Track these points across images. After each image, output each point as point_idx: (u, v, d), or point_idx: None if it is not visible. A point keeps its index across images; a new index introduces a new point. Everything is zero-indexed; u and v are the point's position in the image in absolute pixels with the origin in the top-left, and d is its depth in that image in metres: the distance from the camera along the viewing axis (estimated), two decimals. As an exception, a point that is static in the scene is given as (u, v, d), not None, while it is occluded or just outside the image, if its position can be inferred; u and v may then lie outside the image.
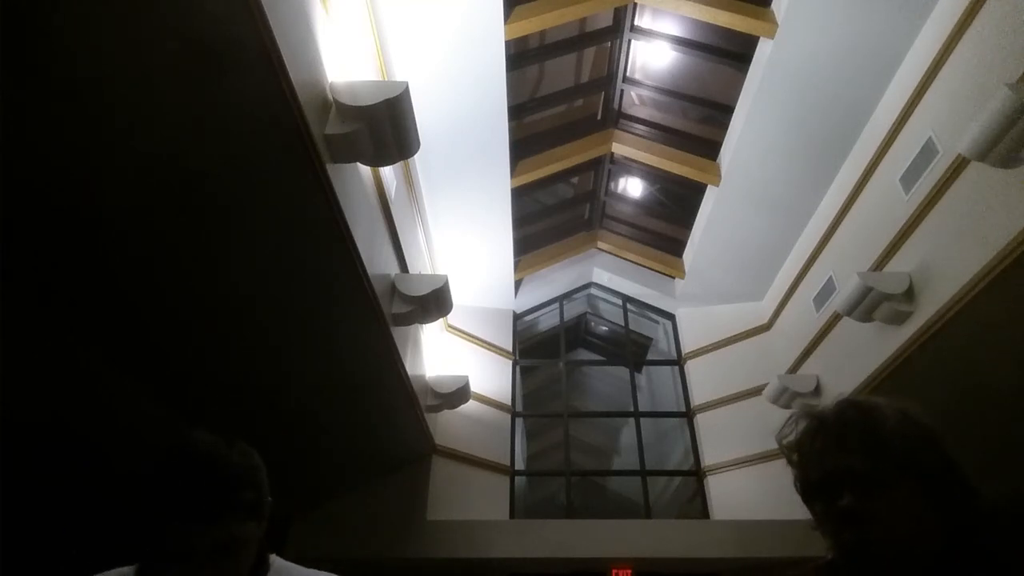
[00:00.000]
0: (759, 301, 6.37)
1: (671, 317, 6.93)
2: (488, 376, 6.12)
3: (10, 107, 1.88)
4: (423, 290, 3.91)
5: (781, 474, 0.98)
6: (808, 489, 0.88)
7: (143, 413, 3.55)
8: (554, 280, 7.13)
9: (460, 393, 5.08)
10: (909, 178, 3.80)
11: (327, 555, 4.57)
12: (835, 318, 4.67)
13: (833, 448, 0.85)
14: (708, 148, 5.54)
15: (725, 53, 4.94)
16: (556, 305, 7.18)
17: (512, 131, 4.87)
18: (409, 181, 4.46)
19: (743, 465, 5.42)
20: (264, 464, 1.08)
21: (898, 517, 0.79)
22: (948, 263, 3.42)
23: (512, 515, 5.50)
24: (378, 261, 3.45)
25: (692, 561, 4.93)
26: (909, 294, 3.72)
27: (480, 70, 4.22)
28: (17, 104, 1.90)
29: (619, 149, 5.97)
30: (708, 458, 5.75)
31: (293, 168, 2.42)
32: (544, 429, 7.40)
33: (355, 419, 4.32)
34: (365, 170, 3.18)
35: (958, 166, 3.35)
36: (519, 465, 6.16)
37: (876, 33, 3.95)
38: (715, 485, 5.59)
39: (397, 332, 3.85)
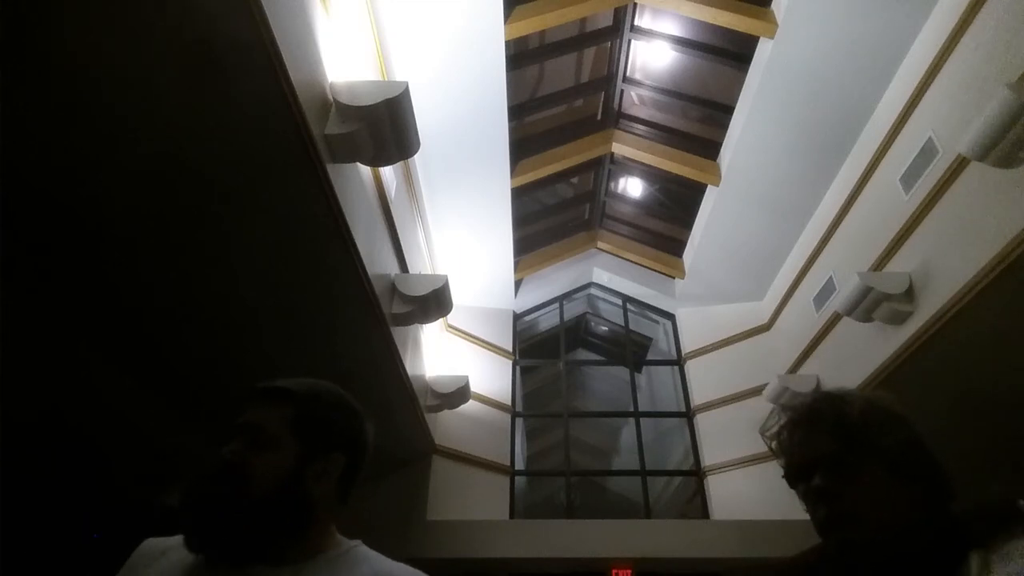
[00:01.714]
0: (759, 301, 6.37)
1: (671, 317, 6.93)
2: (488, 376, 6.12)
3: (10, 107, 1.88)
4: (423, 290, 3.90)
5: (781, 474, 1.03)
6: (790, 474, 0.97)
7: (143, 412, 3.56)
8: (554, 280, 7.12)
9: (460, 393, 5.07)
10: (909, 178, 3.80)
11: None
12: (835, 318, 4.66)
13: (806, 436, 0.95)
14: (708, 148, 5.54)
15: (725, 53, 4.94)
16: (556, 305, 7.18)
17: (512, 131, 4.87)
18: (409, 181, 4.46)
19: (743, 465, 5.42)
20: (358, 425, 1.03)
21: (865, 493, 0.87)
22: (948, 263, 3.42)
23: (512, 515, 5.50)
24: (378, 261, 3.46)
25: (692, 561, 4.93)
26: (909, 294, 3.72)
27: (480, 70, 4.22)
28: (17, 104, 1.90)
29: (619, 149, 5.97)
30: (708, 458, 5.75)
31: (293, 168, 2.43)
32: (544, 429, 7.39)
33: (355, 419, 4.31)
34: (365, 170, 3.18)
35: (958, 166, 3.35)
36: (519, 465, 6.16)
37: (876, 33, 3.94)
38: (715, 485, 5.59)
39: (397, 332, 3.85)
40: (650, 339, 7.46)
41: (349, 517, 1.06)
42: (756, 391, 5.60)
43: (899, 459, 0.89)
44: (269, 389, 0.98)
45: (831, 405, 0.96)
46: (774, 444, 1.00)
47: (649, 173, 6.32)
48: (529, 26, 4.37)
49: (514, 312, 6.89)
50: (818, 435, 0.93)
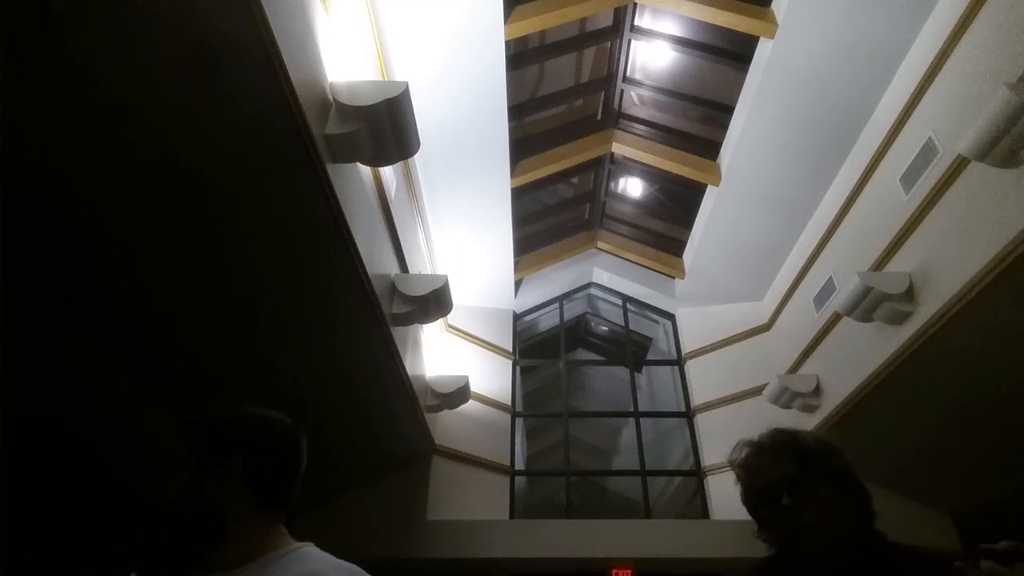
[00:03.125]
0: (759, 301, 6.37)
1: (671, 317, 6.93)
2: (488, 376, 6.12)
3: (10, 107, 1.88)
4: (423, 290, 3.90)
5: (743, 499, 1.20)
6: (752, 497, 1.15)
7: (143, 412, 3.55)
8: (554, 280, 7.12)
9: (460, 393, 5.07)
10: (909, 178, 3.80)
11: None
12: (835, 318, 4.66)
13: (772, 463, 1.13)
14: (708, 148, 5.54)
15: (725, 53, 4.94)
16: (556, 305, 7.18)
17: (512, 131, 4.87)
18: (409, 181, 4.46)
19: (743, 465, 5.42)
20: (253, 435, 1.07)
21: (823, 510, 1.06)
22: (948, 263, 3.42)
23: (512, 515, 5.50)
24: (378, 261, 3.46)
25: (692, 561, 4.93)
26: (909, 294, 3.72)
27: (480, 70, 4.22)
28: (17, 104, 1.90)
29: (619, 149, 5.97)
30: (708, 458, 5.74)
31: (293, 168, 2.43)
32: (544, 429, 7.39)
33: (355, 419, 4.32)
34: (365, 170, 3.18)
35: (958, 166, 3.35)
36: (519, 465, 6.16)
37: (876, 33, 3.94)
38: (715, 485, 5.58)
39: (397, 332, 3.85)
40: (650, 339, 7.46)
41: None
42: (756, 391, 5.60)
43: (843, 481, 1.10)
44: (182, 423, 1.07)
45: (791, 437, 1.16)
46: (742, 472, 1.18)
47: (649, 173, 6.32)
48: (529, 26, 4.37)
49: (514, 312, 6.89)
50: (783, 460, 1.12)
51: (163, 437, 1.08)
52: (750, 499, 1.16)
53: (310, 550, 1.03)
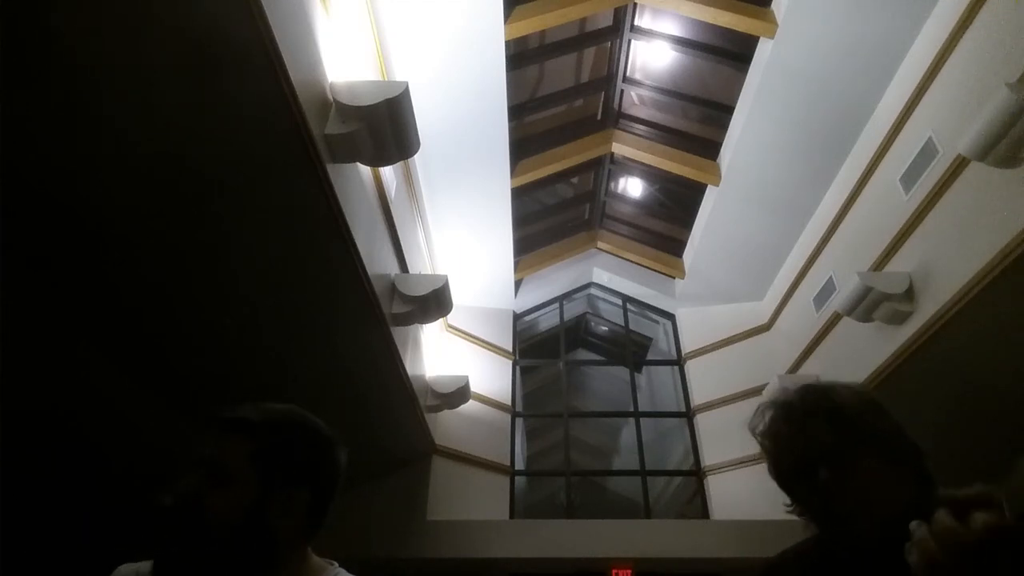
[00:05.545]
0: (759, 301, 6.37)
1: (671, 317, 6.93)
2: (488, 376, 6.11)
3: (10, 107, 1.88)
4: (423, 290, 3.90)
5: (772, 472, 1.01)
6: (783, 472, 0.95)
7: (143, 412, 3.55)
8: (554, 280, 7.12)
9: (460, 393, 5.07)
10: (909, 178, 3.80)
11: (326, 555, 4.55)
12: (835, 318, 4.66)
13: (804, 429, 0.93)
14: (708, 148, 5.54)
15: (725, 53, 4.94)
16: (556, 305, 7.17)
17: (512, 131, 4.87)
18: (409, 181, 4.46)
19: (743, 465, 5.42)
20: (328, 456, 0.98)
21: (869, 482, 0.87)
22: (948, 263, 3.42)
23: (512, 515, 5.50)
24: (378, 261, 3.45)
25: (692, 561, 4.93)
26: (909, 294, 3.72)
27: (480, 70, 4.22)
28: (17, 104, 1.90)
29: (619, 149, 5.97)
30: (708, 458, 5.75)
31: (293, 168, 2.43)
32: (544, 429, 7.39)
33: (355, 419, 4.31)
34: (365, 170, 3.18)
35: (958, 166, 3.35)
36: (519, 465, 6.16)
37: (876, 33, 3.95)
38: (715, 485, 5.59)
39: (397, 332, 3.85)
40: (650, 339, 7.46)
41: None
42: (756, 391, 5.59)
43: (891, 444, 0.91)
44: (228, 419, 0.93)
45: (823, 397, 0.96)
46: (767, 442, 0.98)
47: (649, 173, 6.32)
48: (529, 26, 4.37)
49: (514, 312, 6.89)
50: (816, 427, 0.92)
51: (173, 437, 1.03)
52: (780, 474, 0.96)
53: (341, 573, 0.98)
